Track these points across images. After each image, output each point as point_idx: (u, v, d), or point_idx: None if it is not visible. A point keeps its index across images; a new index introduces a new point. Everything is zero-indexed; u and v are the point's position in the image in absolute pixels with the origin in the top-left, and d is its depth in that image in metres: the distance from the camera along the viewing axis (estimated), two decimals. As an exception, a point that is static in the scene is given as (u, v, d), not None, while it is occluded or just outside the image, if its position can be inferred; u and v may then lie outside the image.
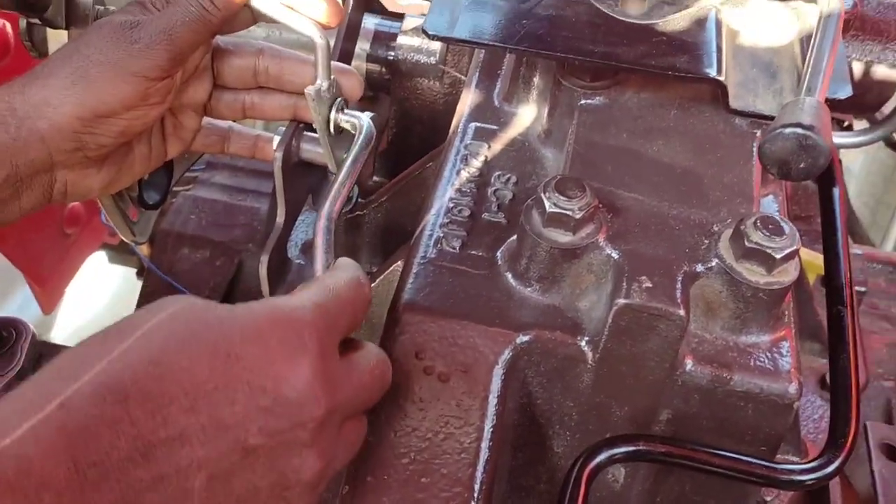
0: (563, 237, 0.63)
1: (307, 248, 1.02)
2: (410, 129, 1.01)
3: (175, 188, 1.19)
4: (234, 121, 0.80)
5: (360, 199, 0.96)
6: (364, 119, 0.70)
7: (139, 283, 1.47)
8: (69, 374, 0.42)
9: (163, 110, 0.68)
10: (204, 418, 0.43)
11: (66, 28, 0.77)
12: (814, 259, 0.93)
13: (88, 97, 0.62)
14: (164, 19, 0.64)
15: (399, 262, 0.81)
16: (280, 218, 0.77)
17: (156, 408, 0.41)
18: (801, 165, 0.50)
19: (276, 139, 0.77)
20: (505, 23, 0.68)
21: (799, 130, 0.50)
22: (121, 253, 1.66)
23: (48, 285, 1.24)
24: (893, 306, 1.12)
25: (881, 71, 0.98)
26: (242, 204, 1.16)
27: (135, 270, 1.62)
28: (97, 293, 1.78)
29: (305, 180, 0.83)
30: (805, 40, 0.69)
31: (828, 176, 0.75)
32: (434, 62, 0.92)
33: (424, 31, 0.67)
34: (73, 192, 0.67)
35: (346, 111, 0.70)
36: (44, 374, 0.43)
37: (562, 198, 0.62)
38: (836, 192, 0.74)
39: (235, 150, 0.80)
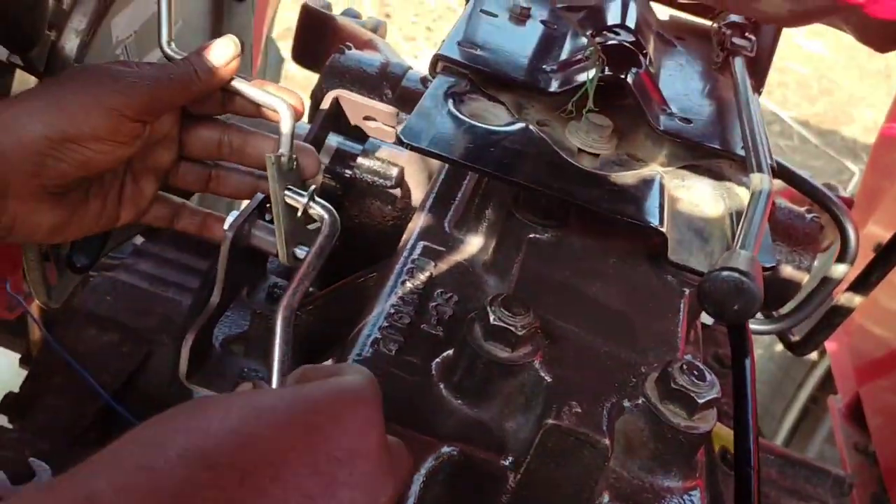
0: (502, 352, 0.64)
1: (229, 343, 1.00)
2: (353, 245, 1.02)
3: (91, 272, 1.16)
4: (195, 193, 0.80)
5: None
6: (333, 212, 0.72)
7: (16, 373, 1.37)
8: (153, 442, 0.41)
9: (127, 154, 0.69)
10: (290, 487, 0.42)
11: (41, 74, 0.78)
12: (718, 430, 0.97)
13: (60, 120, 0.63)
14: (151, 71, 0.68)
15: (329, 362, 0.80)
16: (216, 298, 0.76)
17: (244, 475, 0.41)
18: (735, 307, 0.54)
19: (229, 219, 0.78)
20: (474, 147, 0.73)
21: (735, 275, 0.54)
22: (6, 333, 1.56)
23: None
24: (783, 497, 1.16)
25: (788, 270, 1.08)
26: (164, 294, 1.13)
27: (18, 357, 1.52)
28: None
29: (245, 271, 0.82)
30: (735, 215, 0.77)
31: (740, 345, 0.80)
32: (389, 185, 0.96)
33: (399, 138, 0.70)
34: (19, 228, 0.66)
35: (316, 200, 0.72)
36: (123, 442, 0.42)
37: (506, 313, 0.64)
38: (748, 361, 0.79)
39: (184, 226, 0.80)
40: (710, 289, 0.54)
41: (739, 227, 0.62)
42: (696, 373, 0.64)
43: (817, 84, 4.96)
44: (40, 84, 0.67)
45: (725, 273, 0.54)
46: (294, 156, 0.71)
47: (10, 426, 1.04)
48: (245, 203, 0.79)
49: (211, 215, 0.81)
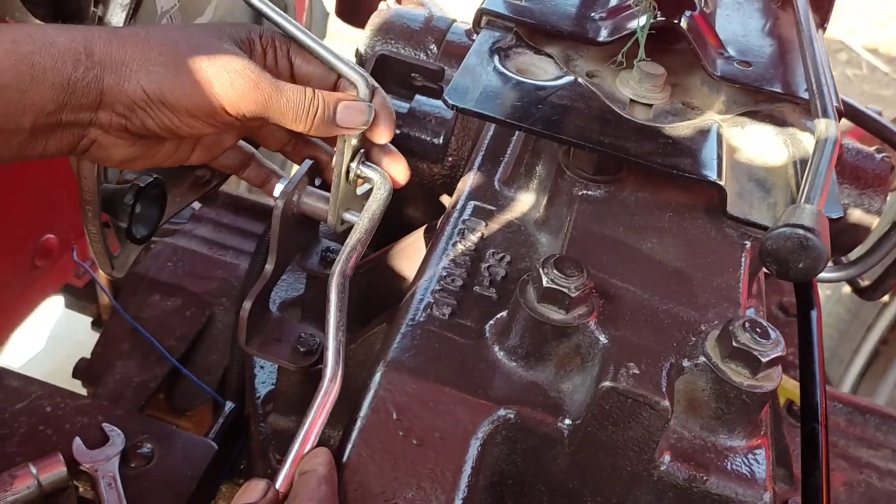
0: (556, 314, 0.63)
1: (286, 307, 1.01)
2: (403, 205, 1.02)
3: (154, 238, 1.18)
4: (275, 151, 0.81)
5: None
6: (384, 175, 0.71)
7: (90, 335, 1.42)
8: None
9: (214, 134, 0.69)
10: None
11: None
12: (783, 383, 0.95)
13: (166, 83, 0.63)
14: (273, 83, 0.66)
15: (381, 327, 0.80)
16: (270, 266, 0.77)
17: None
18: (801, 265, 0.52)
19: (279, 186, 0.78)
20: (521, 105, 0.71)
21: (800, 231, 0.52)
22: (81, 299, 1.62)
23: (5, 314, 1.19)
24: (851, 446, 1.13)
25: (856, 214, 1.03)
26: (222, 259, 1.15)
27: (90, 320, 1.57)
28: (50, 337, 1.72)
29: (298, 236, 0.83)
30: (799, 164, 0.73)
31: (806, 298, 0.77)
32: (438, 143, 0.94)
33: (444, 100, 0.69)
34: (96, 152, 0.67)
35: (367, 164, 0.71)
36: None
37: (559, 275, 0.63)
38: (814, 314, 0.77)
39: (248, 176, 0.81)
40: (773, 247, 0.52)
41: (804, 178, 0.60)
42: (758, 330, 0.62)
43: (886, 9, 4.69)
44: (172, 31, 0.66)
45: (789, 230, 0.52)
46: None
47: (84, 392, 1.08)
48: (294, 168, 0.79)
49: (275, 172, 0.81)
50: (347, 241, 0.71)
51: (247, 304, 0.76)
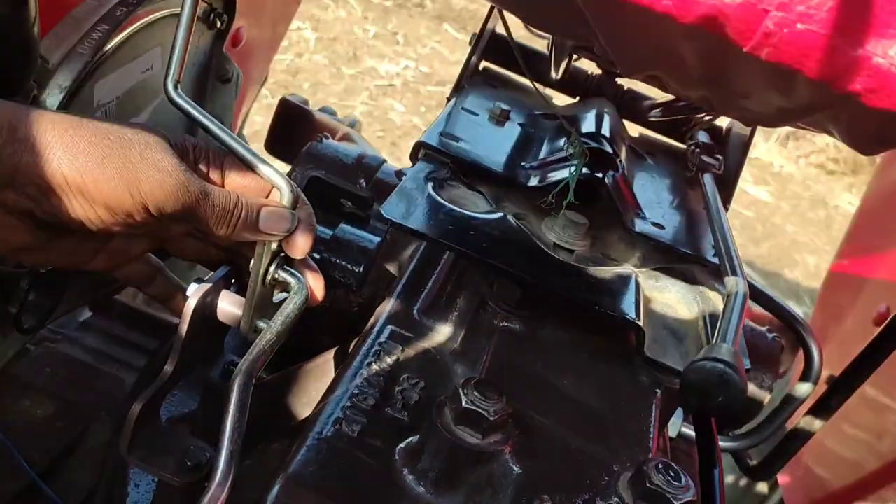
0: (472, 438, 0.61)
1: (174, 424, 0.94)
2: (312, 329, 0.99)
3: (32, 344, 1.10)
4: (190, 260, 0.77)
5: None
6: (303, 282, 0.70)
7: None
8: None
9: (126, 231, 0.66)
10: None
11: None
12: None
13: (89, 172, 0.60)
14: (200, 186, 0.65)
15: (279, 444, 0.75)
16: (170, 367, 0.72)
17: None
18: (720, 399, 0.53)
19: (193, 287, 0.75)
20: (454, 230, 0.72)
21: (720, 365, 0.53)
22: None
23: None
24: None
25: (749, 388, 1.07)
26: (107, 371, 1.07)
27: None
28: None
29: (204, 342, 0.79)
30: (709, 318, 0.77)
31: (709, 457, 0.78)
32: (358, 272, 0.94)
33: (381, 216, 0.69)
34: None
35: (286, 269, 0.69)
36: None
37: (479, 397, 0.62)
38: (717, 473, 0.77)
39: (153, 292, 0.76)
40: (695, 379, 0.53)
41: (719, 324, 0.62)
42: (671, 473, 0.61)
43: (762, 227, 5.18)
44: (106, 123, 0.63)
45: (709, 363, 0.53)
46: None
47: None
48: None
49: (182, 289, 0.77)
50: (257, 341, 0.68)
51: (136, 407, 0.70)
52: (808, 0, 0.38)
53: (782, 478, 1.79)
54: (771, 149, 5.86)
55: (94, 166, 0.61)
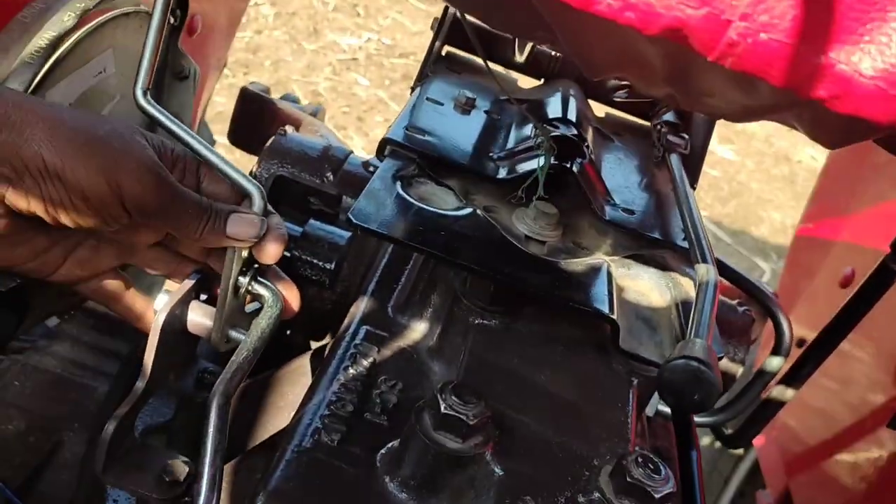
0: (453, 443, 0.61)
1: (148, 435, 0.93)
2: (285, 328, 0.99)
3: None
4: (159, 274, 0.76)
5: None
6: (277, 293, 0.69)
7: None
8: None
9: (98, 228, 0.64)
10: None
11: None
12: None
13: (70, 159, 0.59)
14: (177, 191, 0.64)
15: (260, 454, 0.75)
16: (141, 384, 0.71)
17: None
18: (696, 397, 0.54)
19: (161, 300, 0.73)
20: (423, 230, 0.71)
21: (694, 364, 0.53)
22: None
23: None
24: None
25: (722, 363, 1.09)
26: (78, 380, 1.05)
27: None
28: None
29: (175, 355, 0.77)
30: (681, 305, 0.77)
31: (686, 439, 0.79)
32: (329, 269, 0.93)
33: (349, 219, 0.69)
34: None
35: (259, 280, 0.68)
36: None
37: (458, 401, 0.62)
38: (694, 454, 0.78)
39: (121, 309, 0.75)
40: (670, 378, 0.54)
41: (691, 316, 0.62)
42: (651, 466, 0.62)
43: (728, 186, 5.24)
44: (88, 114, 0.62)
45: (684, 362, 0.54)
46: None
47: None
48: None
49: (152, 309, 0.76)
50: (233, 358, 0.67)
51: (109, 427, 0.69)
52: (771, 10, 0.37)
53: (756, 439, 1.83)
54: (735, 107, 5.89)
55: (75, 153, 0.60)
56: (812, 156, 5.54)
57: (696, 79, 0.46)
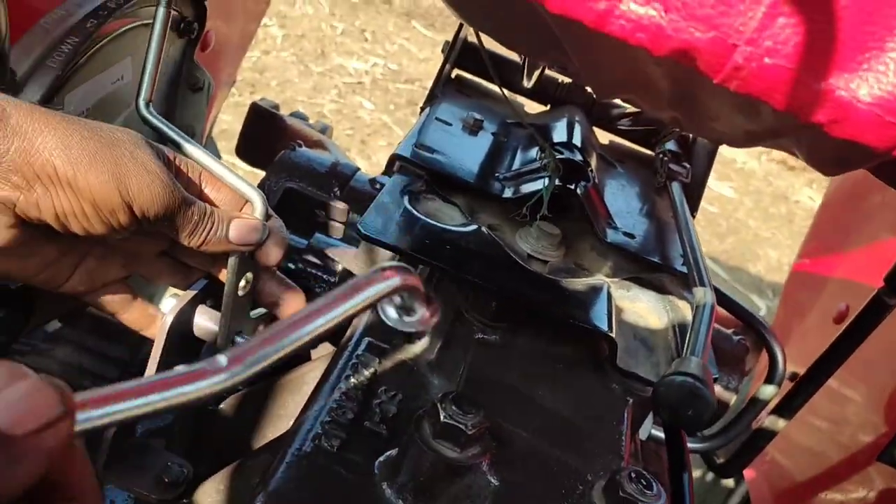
0: (451, 452, 0.62)
1: (150, 436, 0.93)
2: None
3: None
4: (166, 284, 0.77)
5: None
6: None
7: None
8: None
9: (105, 235, 0.65)
10: None
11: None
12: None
13: (81, 166, 0.60)
14: (180, 196, 0.65)
15: (260, 458, 0.75)
16: (146, 384, 0.72)
17: None
18: (690, 413, 0.55)
19: (168, 304, 0.75)
20: (430, 244, 0.73)
21: (689, 380, 0.55)
22: None
23: None
24: None
25: (716, 390, 1.10)
26: (79, 384, 1.06)
27: None
28: None
29: (180, 358, 0.78)
30: (678, 328, 0.79)
31: (678, 462, 0.80)
32: (333, 281, 0.94)
33: (358, 230, 0.70)
34: None
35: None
36: None
37: (457, 411, 0.63)
38: (686, 476, 0.79)
39: (129, 318, 0.76)
40: (665, 393, 0.55)
41: (688, 336, 0.64)
42: (643, 481, 0.63)
43: (726, 223, 5.27)
44: (94, 123, 0.63)
45: (680, 378, 0.55)
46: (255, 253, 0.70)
47: None
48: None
49: (159, 315, 0.77)
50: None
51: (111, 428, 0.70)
52: (775, 35, 0.39)
53: (747, 472, 1.83)
54: (734, 145, 5.95)
55: (86, 160, 0.61)
56: (810, 196, 5.59)
57: (701, 101, 0.47)
